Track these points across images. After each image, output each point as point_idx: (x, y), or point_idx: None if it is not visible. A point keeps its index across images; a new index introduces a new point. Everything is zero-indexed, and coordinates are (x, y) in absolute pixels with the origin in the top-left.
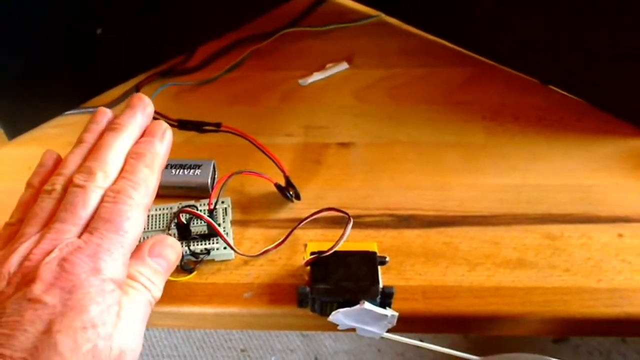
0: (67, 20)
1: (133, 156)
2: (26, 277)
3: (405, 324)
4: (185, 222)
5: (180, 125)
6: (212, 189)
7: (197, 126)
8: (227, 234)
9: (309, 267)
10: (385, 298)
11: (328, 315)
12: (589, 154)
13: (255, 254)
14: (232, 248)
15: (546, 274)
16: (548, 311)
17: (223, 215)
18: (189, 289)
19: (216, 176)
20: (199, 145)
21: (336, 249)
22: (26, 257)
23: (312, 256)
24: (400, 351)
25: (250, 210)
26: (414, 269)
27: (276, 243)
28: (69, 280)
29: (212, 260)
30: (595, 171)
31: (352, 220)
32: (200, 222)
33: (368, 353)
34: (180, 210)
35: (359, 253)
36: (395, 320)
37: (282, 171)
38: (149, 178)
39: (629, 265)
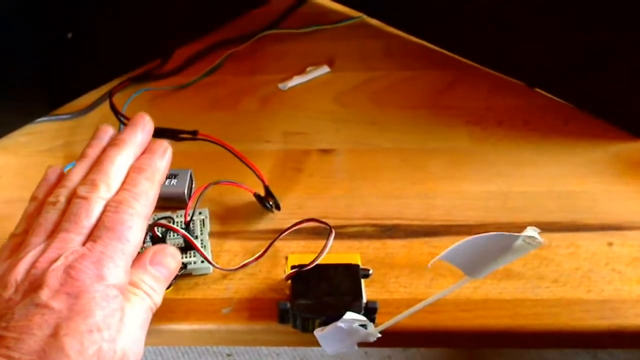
0: (35, 24)
1: (135, 170)
2: (33, 284)
3: (390, 339)
4: (160, 235)
5: (156, 133)
6: (189, 199)
7: (173, 134)
8: (204, 247)
9: (289, 282)
10: (369, 313)
11: (310, 331)
12: (576, 159)
13: (234, 267)
14: (209, 262)
15: (534, 285)
16: (537, 324)
17: (200, 227)
18: (165, 305)
19: (193, 186)
20: (175, 154)
21: (318, 261)
22: (33, 265)
23: (292, 270)
24: (387, 354)
25: (228, 222)
26: (399, 281)
27: (256, 256)
28: (75, 287)
29: (190, 275)
30: (583, 177)
31: (333, 231)
32: (177, 235)
33: (355, 356)
34: (155, 224)
35: (342, 266)
36: (376, 336)
37: (262, 180)
38: (150, 190)
39: (619, 275)
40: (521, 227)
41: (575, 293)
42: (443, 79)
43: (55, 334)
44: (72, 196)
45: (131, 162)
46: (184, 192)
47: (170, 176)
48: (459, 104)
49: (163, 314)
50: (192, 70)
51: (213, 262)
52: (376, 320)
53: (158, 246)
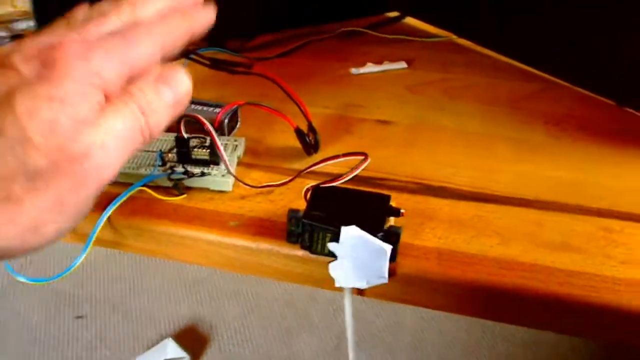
0: None
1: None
2: (15, 51)
3: (411, 286)
4: (185, 137)
5: (212, 64)
6: (228, 131)
7: (228, 66)
8: (230, 164)
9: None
10: (389, 236)
11: (319, 252)
12: None
13: (256, 185)
14: (230, 172)
15: (597, 262)
16: (593, 297)
17: (232, 150)
18: (172, 209)
19: (238, 123)
20: (226, 87)
21: (343, 182)
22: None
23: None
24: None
25: (262, 157)
26: (434, 232)
27: (281, 182)
28: (53, 58)
29: (207, 190)
30: None
31: (368, 159)
32: (202, 149)
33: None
34: (185, 116)
35: (370, 195)
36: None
37: (306, 117)
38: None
39: None
40: (590, 210)
41: None
42: (525, 88)
43: (10, 92)
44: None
45: None
46: (225, 121)
47: (215, 106)
48: (540, 108)
49: (166, 215)
50: (270, 50)
51: (234, 174)
52: (397, 259)
53: (168, 65)
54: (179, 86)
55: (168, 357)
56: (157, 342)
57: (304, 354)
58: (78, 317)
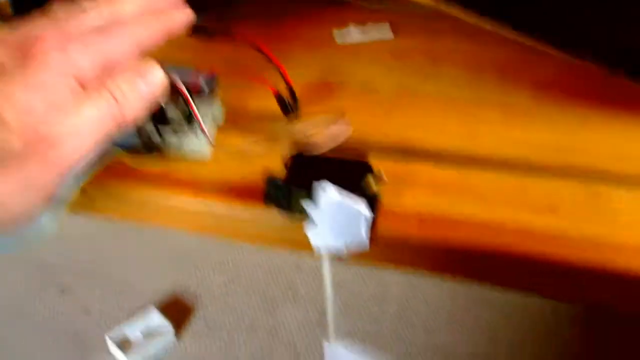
0: None
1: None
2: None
3: (391, 251)
4: (162, 106)
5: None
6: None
7: (206, 30)
8: (208, 130)
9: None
10: (369, 200)
11: (297, 215)
12: None
13: (234, 150)
14: (207, 137)
15: (584, 227)
16: (577, 260)
17: (210, 116)
18: (148, 175)
19: (217, 89)
20: (205, 53)
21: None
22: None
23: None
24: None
25: (241, 122)
26: (416, 197)
27: (261, 147)
28: (31, 48)
29: (184, 155)
30: None
31: (349, 123)
32: (180, 116)
33: None
34: None
35: (350, 162)
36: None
37: (286, 81)
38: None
39: None
40: (579, 175)
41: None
42: (511, 54)
43: None
44: None
45: None
46: (204, 86)
47: (193, 70)
48: (526, 74)
49: (142, 180)
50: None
51: (211, 139)
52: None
53: (143, 59)
54: (153, 78)
55: (152, 326)
56: (141, 312)
57: (289, 324)
58: (62, 289)
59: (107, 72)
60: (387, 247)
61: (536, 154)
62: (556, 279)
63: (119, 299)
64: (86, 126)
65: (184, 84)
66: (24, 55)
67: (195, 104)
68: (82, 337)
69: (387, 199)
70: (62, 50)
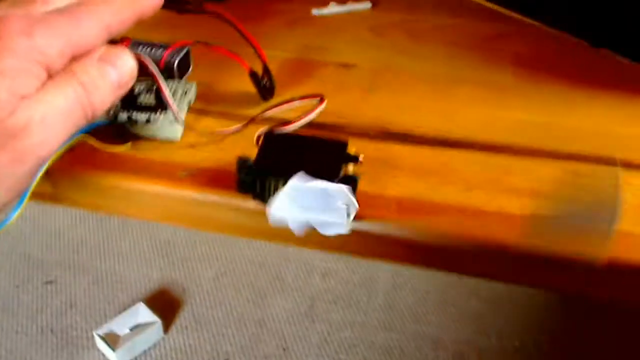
0: None
1: None
2: None
3: (370, 237)
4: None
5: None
6: (179, 75)
7: (179, 4)
8: (179, 112)
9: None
10: (345, 183)
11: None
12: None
13: (207, 132)
14: (178, 119)
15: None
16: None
17: (182, 95)
18: (116, 160)
19: (190, 67)
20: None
21: (298, 126)
22: None
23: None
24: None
25: (214, 102)
26: (396, 180)
27: (235, 127)
28: None
29: (154, 138)
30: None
31: (325, 101)
32: (150, 95)
33: None
34: None
35: (325, 141)
36: (353, 211)
37: (262, 59)
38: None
39: None
40: (559, 155)
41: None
42: (493, 28)
43: None
44: None
45: None
46: (174, 63)
47: (163, 46)
48: (508, 49)
49: (109, 165)
50: None
51: (183, 120)
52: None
53: (113, 46)
54: (124, 66)
55: (139, 321)
56: (129, 307)
57: (278, 316)
58: (47, 282)
59: (75, 59)
60: (365, 234)
61: (518, 133)
62: (540, 266)
63: (106, 292)
64: (54, 116)
65: (154, 61)
66: None
67: (164, 82)
68: (68, 332)
69: (365, 182)
70: (27, 34)
